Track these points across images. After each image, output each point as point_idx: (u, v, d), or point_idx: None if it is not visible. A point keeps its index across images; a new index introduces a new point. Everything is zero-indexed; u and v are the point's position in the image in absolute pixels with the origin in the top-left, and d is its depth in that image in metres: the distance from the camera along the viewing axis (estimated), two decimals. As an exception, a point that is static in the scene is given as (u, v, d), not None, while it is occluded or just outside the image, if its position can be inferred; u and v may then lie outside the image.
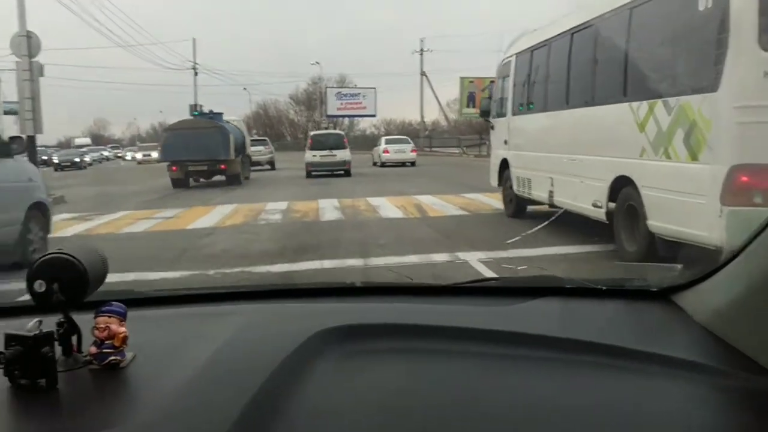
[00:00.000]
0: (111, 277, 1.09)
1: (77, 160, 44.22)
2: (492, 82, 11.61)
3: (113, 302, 1.01)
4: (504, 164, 10.48)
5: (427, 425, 0.88)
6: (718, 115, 5.10)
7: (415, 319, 1.21)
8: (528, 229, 7.64)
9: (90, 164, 47.98)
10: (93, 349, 0.99)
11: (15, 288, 1.37)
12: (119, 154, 67.67)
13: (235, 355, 1.05)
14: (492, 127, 11.38)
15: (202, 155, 19.78)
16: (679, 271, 1.36)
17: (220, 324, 1.20)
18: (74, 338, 1.00)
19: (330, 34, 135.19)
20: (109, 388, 0.96)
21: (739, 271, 1.04)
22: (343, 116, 60.43)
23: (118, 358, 0.99)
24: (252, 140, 28.76)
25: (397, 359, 1.08)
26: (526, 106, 9.66)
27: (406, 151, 30.35)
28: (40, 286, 0.95)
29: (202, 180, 21.20)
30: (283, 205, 13.02)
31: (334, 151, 23.63)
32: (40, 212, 7.33)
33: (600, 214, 7.00)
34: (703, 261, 1.29)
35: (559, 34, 8.38)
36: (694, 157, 5.37)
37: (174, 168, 20.32)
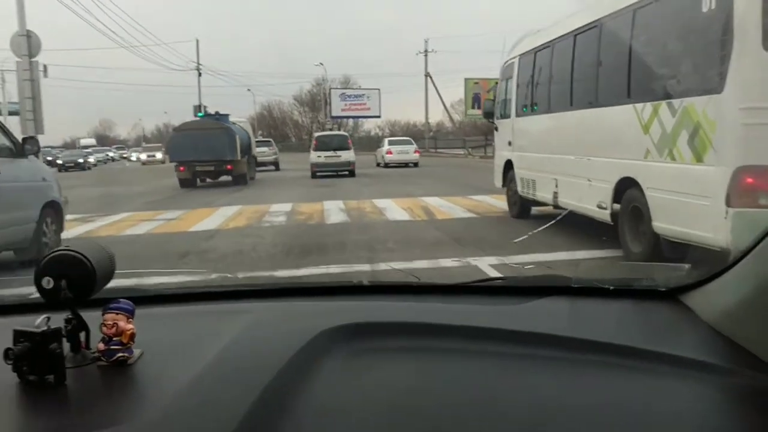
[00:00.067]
0: (117, 276, 1.09)
1: (81, 161, 44.33)
2: (497, 83, 11.60)
3: (121, 299, 1.02)
4: (508, 165, 10.47)
5: (435, 423, 0.88)
6: (723, 117, 5.08)
7: (422, 318, 1.21)
8: (536, 231, 7.60)
9: (94, 165, 48.11)
10: (101, 346, 0.99)
11: (24, 285, 1.37)
12: (124, 155, 67.84)
13: (243, 353, 1.06)
14: (496, 129, 11.36)
15: (209, 156, 20.06)
16: (687, 271, 1.35)
17: (227, 322, 1.20)
18: (82, 335, 1.00)
19: (330, 34, 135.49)
20: (117, 384, 0.96)
21: (747, 271, 1.04)
22: (348, 117, 60.48)
23: (126, 354, 0.99)
24: (256, 141, 28.93)
25: (404, 358, 1.08)
26: (530, 108, 9.64)
27: (409, 152, 30.59)
28: (48, 282, 0.96)
29: (208, 180, 21.44)
30: (287, 206, 12.91)
31: (339, 152, 23.89)
32: (53, 211, 7.50)
33: (605, 216, 6.98)
34: (711, 261, 1.28)
35: (562, 36, 8.37)
36: (699, 159, 5.36)
37: (182, 168, 20.58)
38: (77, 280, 0.96)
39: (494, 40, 25.33)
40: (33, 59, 13.57)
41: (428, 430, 0.87)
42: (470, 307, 1.34)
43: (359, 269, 6.19)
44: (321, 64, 76.92)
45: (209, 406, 0.87)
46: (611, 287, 1.37)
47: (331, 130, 45.49)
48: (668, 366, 1.00)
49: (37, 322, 0.92)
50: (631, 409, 0.90)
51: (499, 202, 11.28)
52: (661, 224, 5.87)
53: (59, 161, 43.16)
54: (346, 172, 23.55)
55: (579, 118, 7.74)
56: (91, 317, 1.00)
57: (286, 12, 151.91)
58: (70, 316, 0.98)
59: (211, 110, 24.68)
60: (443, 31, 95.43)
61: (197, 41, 50.61)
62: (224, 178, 21.12)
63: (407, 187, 17.09)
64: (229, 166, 20.55)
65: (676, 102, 5.64)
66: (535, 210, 9.91)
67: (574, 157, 7.78)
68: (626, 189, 6.53)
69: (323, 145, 24.35)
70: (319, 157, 23.83)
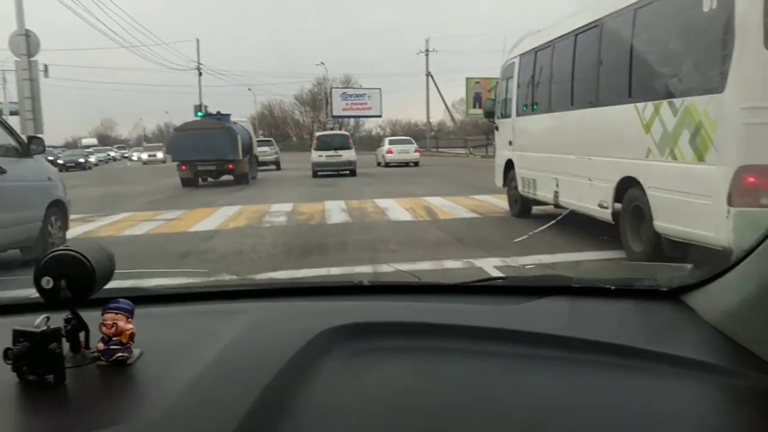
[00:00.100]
0: (116, 276, 1.09)
1: (81, 160, 44.27)
2: (498, 83, 11.60)
3: (120, 299, 1.02)
4: (509, 165, 10.47)
5: (435, 423, 0.88)
6: (724, 116, 5.08)
7: (422, 318, 1.21)
8: (538, 230, 7.55)
9: (95, 165, 48.11)
10: (100, 346, 0.99)
11: (23, 285, 1.37)
12: (126, 155, 67.88)
13: (242, 353, 1.05)
14: (496, 128, 11.36)
15: (211, 155, 20.19)
16: (689, 271, 1.35)
17: (227, 322, 1.20)
18: (82, 335, 1.00)
19: (330, 35, 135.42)
20: (117, 384, 0.96)
21: (749, 271, 1.03)
22: (349, 117, 60.43)
23: (126, 354, 0.99)
24: (257, 141, 29.04)
25: (404, 358, 1.08)
26: (530, 107, 9.64)
27: (409, 151, 30.87)
28: (47, 282, 0.95)
29: (210, 179, 21.57)
30: (288, 206, 12.85)
31: (340, 152, 23.99)
32: (59, 210, 7.63)
33: (606, 215, 6.98)
34: (713, 261, 1.27)
35: (563, 35, 8.36)
36: (700, 158, 5.35)
37: (184, 168, 20.70)
38: (77, 279, 0.96)
39: (495, 39, 25.36)
40: (32, 58, 13.52)
41: (428, 430, 0.87)
42: (470, 306, 1.34)
43: (361, 271, 6.09)
44: (322, 63, 77.10)
45: (209, 406, 0.87)
46: (612, 287, 1.37)
47: (332, 129, 45.51)
48: (670, 366, 0.99)
49: (37, 321, 0.92)
50: (633, 410, 0.90)
51: (502, 202, 11.21)
52: (662, 223, 5.87)
53: (60, 161, 43.13)
54: (348, 172, 23.64)
55: (580, 118, 7.73)
56: (91, 317, 0.99)
57: (286, 12, 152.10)
58: (69, 316, 0.98)
59: (212, 110, 24.81)
60: (443, 31, 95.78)
61: (197, 41, 50.68)
62: (226, 177, 21.24)
63: (409, 186, 17.06)
64: (230, 166, 20.71)
65: (677, 101, 5.63)
66: (536, 209, 9.90)
67: (575, 157, 7.77)
68: (627, 188, 6.53)
69: (324, 144, 24.45)
70: (320, 156, 23.92)
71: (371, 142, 49.31)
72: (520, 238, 7.41)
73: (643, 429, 0.86)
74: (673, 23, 5.91)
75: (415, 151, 31.00)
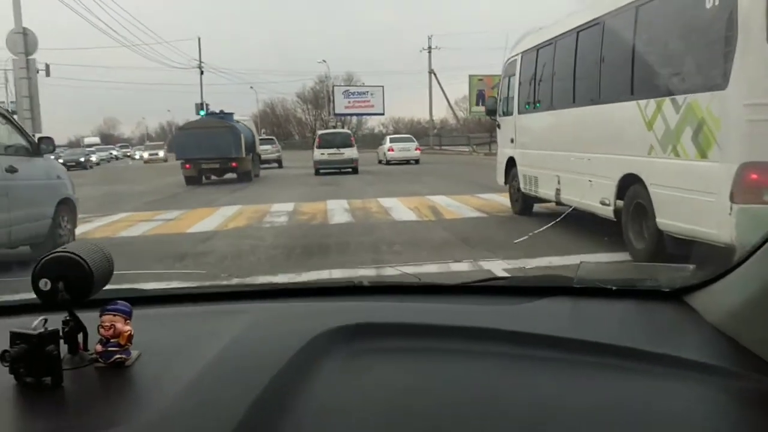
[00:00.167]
0: (115, 278, 1.09)
1: (82, 159, 44.22)
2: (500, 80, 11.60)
3: (118, 300, 1.01)
4: (511, 162, 10.46)
5: (435, 424, 0.88)
6: (727, 113, 5.07)
7: (422, 319, 1.20)
8: (539, 230, 7.49)
9: (97, 164, 48.18)
10: (98, 348, 0.99)
11: (21, 286, 1.37)
12: (128, 153, 68.00)
13: (242, 354, 1.05)
14: (498, 126, 11.36)
15: (214, 154, 20.45)
16: (692, 272, 1.34)
17: (226, 322, 1.19)
18: (80, 336, 1.00)
19: (330, 35, 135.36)
20: (115, 386, 0.95)
21: (752, 271, 1.03)
22: (351, 114, 60.46)
23: (124, 356, 0.99)
24: (260, 139, 29.20)
25: (404, 358, 1.07)
26: (532, 105, 9.63)
27: (410, 149, 31.33)
28: (45, 284, 0.95)
29: (214, 177, 21.81)
30: (289, 206, 12.65)
31: (342, 150, 24.15)
32: (67, 207, 7.90)
33: (608, 212, 6.97)
34: (716, 261, 1.26)
35: (565, 33, 8.36)
36: (703, 155, 5.34)
37: (187, 166, 20.92)
38: (75, 281, 0.95)
39: (497, 37, 25.46)
40: (30, 57, 13.45)
41: (428, 430, 0.87)
42: (471, 307, 1.33)
43: (363, 274, 5.94)
44: (324, 61, 76.90)
45: (208, 407, 0.87)
46: (614, 287, 1.36)
47: (334, 127, 45.61)
48: (672, 368, 0.98)
49: (34, 323, 0.91)
50: (634, 411, 0.89)
51: (508, 201, 11.02)
52: (665, 221, 5.86)
53: (60, 160, 43.15)
54: (350, 170, 23.82)
55: (582, 115, 7.72)
56: (89, 319, 0.99)
57: (287, 12, 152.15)
58: (67, 318, 0.98)
59: (214, 108, 25.04)
60: (443, 29, 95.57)
61: (199, 39, 50.78)
62: (229, 175, 21.53)
63: (412, 185, 16.99)
64: (234, 164, 21.03)
65: (679, 98, 5.62)
66: (537, 207, 9.88)
67: (577, 154, 7.77)
68: (630, 185, 6.52)
69: (326, 142, 24.61)
70: (322, 154, 24.10)
71: (374, 140, 49.36)
72: (521, 239, 7.33)
73: (645, 430, 0.86)
74: (676, 20, 5.89)
75: (416, 149, 31.47)
